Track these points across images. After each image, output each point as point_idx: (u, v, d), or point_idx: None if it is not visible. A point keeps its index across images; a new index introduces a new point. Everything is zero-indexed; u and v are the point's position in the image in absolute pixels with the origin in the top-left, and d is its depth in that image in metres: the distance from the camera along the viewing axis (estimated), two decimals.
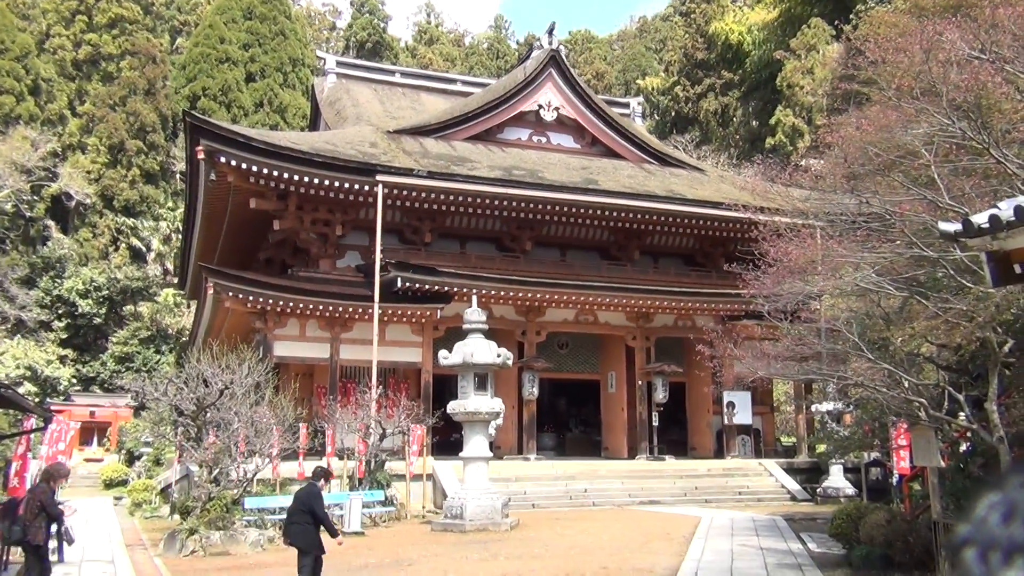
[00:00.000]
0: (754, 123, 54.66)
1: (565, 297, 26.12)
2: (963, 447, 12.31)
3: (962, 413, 11.09)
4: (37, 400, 34.67)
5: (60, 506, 9.71)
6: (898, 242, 10.80)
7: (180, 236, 40.77)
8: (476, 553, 13.86)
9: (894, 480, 17.50)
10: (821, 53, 45.60)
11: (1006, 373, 10.95)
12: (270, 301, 22.88)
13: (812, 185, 15.02)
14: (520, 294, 25.32)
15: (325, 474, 10.48)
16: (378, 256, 23.46)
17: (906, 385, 11.05)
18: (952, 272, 9.72)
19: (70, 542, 9.65)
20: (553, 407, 32.05)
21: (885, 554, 11.42)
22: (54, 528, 10.25)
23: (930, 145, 10.43)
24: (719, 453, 28.32)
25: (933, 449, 10.77)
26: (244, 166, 22.99)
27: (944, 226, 6.97)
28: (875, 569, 11.39)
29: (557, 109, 31.56)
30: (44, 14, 59.59)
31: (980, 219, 6.32)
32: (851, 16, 38.23)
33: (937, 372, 11.88)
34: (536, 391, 26.20)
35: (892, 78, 11.96)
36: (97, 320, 48.14)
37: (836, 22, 43.41)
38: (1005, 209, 6.14)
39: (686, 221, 28.35)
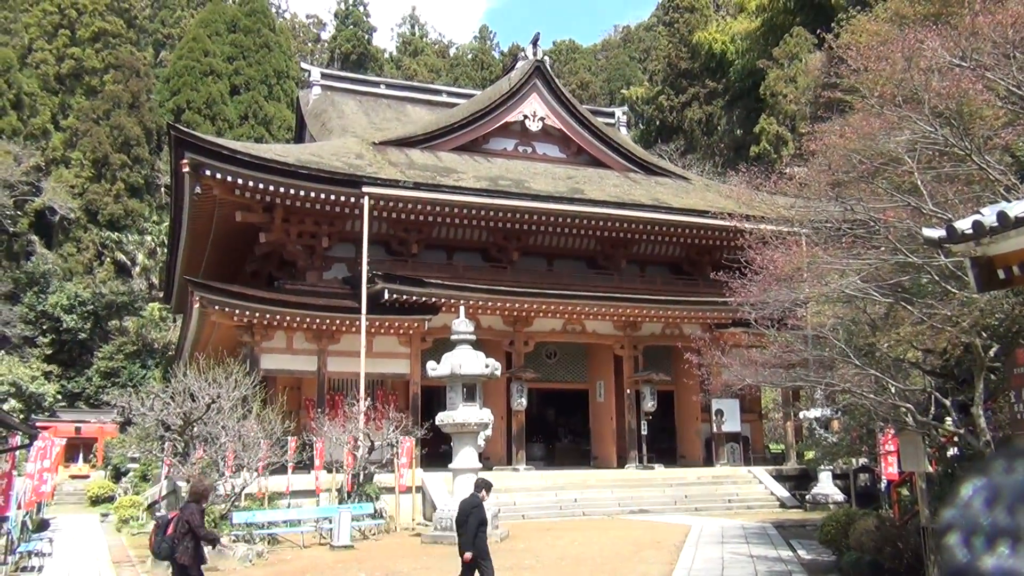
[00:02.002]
0: (738, 131, 54.94)
1: (552, 307, 26.12)
2: (951, 452, 12.37)
3: (949, 418, 11.15)
4: (22, 417, 34.39)
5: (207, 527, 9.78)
6: (883, 248, 10.85)
7: (165, 250, 40.56)
8: None
9: (883, 486, 17.56)
10: (803, 62, 45.90)
11: (992, 378, 11.00)
12: (257, 314, 22.78)
13: (797, 193, 15.08)
14: (507, 304, 25.32)
15: (486, 485, 10.68)
16: (365, 268, 23.41)
17: (893, 391, 11.10)
18: (937, 278, 9.78)
19: (203, 561, 9.72)
20: (542, 417, 32.01)
21: (875, 560, 11.44)
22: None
23: (913, 152, 10.50)
24: (708, 461, 28.35)
25: (921, 454, 10.81)
26: (229, 179, 22.92)
27: (928, 232, 7.02)
28: (865, 575, 11.41)
29: (542, 119, 31.65)
30: (26, 28, 59.33)
31: (964, 225, 6.36)
32: (833, 25, 38.50)
33: (923, 377, 11.94)
34: (525, 401, 26.16)
35: (874, 86, 12.05)
36: (82, 335, 47.82)
37: (818, 31, 43.48)
38: (988, 215, 6.18)
39: (672, 230, 28.44)
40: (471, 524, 9.75)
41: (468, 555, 9.70)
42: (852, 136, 12.14)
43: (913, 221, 10.33)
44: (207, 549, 10.17)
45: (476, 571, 9.82)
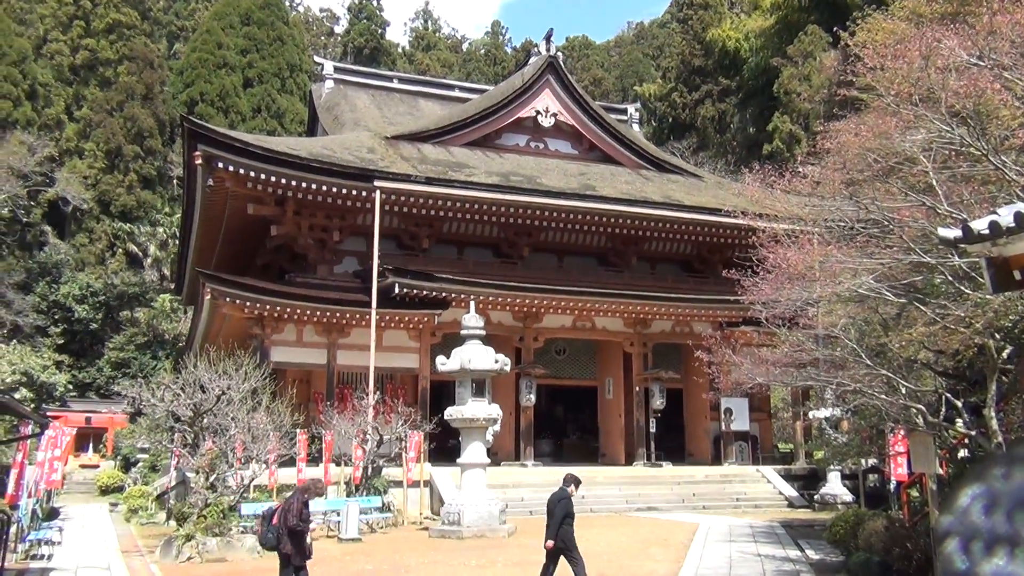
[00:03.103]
0: (751, 129, 54.72)
1: (563, 303, 26.10)
2: (961, 454, 12.31)
3: (960, 419, 11.09)
4: (33, 406, 34.55)
5: (305, 522, 9.74)
6: (896, 248, 10.78)
7: (177, 242, 40.71)
8: (474, 559, 13.82)
9: (892, 487, 17.49)
10: (818, 60, 45.66)
11: (1004, 379, 10.93)
12: (267, 307, 22.84)
13: (810, 191, 14.99)
14: (518, 300, 25.30)
15: (575, 480, 10.88)
16: (376, 262, 23.43)
17: (904, 391, 11.04)
18: (950, 278, 9.71)
19: (308, 555, 9.74)
20: (551, 413, 32.01)
21: (883, 561, 11.40)
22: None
23: (928, 151, 10.42)
24: (716, 459, 28.30)
25: (931, 455, 10.76)
26: (242, 171, 22.97)
27: (943, 232, 6.96)
28: None
29: (555, 115, 31.59)
30: (42, 19, 59.56)
31: (980, 225, 6.31)
32: (848, 23, 38.33)
33: (935, 378, 11.87)
34: (534, 397, 26.16)
35: (890, 84, 11.94)
36: (93, 326, 48.03)
37: (833, 29, 43.40)
38: (1005, 215, 6.13)
39: (684, 227, 28.37)
40: (557, 515, 10.03)
41: (550, 543, 9.97)
42: (867, 135, 12.06)
43: (928, 221, 10.25)
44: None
45: (556, 562, 10.01)
